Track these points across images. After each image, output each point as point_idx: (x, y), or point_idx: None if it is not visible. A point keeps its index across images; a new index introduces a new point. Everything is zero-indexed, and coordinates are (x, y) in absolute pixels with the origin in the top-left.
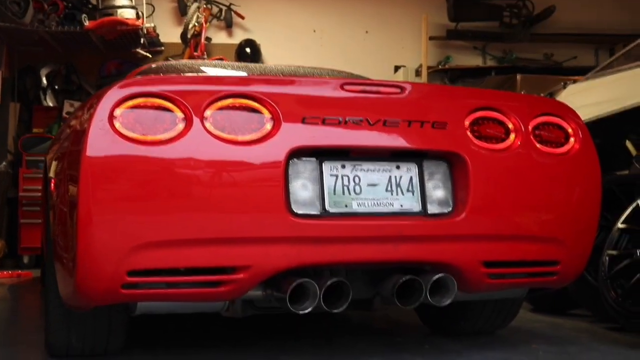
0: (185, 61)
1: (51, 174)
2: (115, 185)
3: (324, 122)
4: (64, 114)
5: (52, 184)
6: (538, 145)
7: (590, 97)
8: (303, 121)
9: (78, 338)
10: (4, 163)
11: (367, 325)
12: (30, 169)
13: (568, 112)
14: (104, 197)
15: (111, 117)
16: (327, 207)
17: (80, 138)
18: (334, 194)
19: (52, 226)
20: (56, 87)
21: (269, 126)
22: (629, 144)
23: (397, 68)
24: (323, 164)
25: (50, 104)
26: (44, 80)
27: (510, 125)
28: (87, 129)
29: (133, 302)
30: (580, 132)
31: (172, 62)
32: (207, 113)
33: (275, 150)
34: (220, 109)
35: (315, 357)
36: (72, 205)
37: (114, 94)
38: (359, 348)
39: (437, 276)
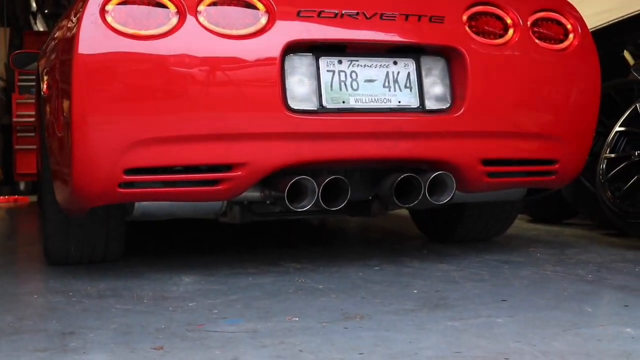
0: None
1: (43, 83)
2: (108, 83)
3: (319, 15)
4: None
5: (45, 92)
6: (537, 41)
7: (590, 8)
8: (298, 14)
9: (76, 245)
10: None
11: (365, 235)
12: (23, 94)
13: (567, 8)
14: (97, 95)
15: (102, 12)
16: (324, 102)
17: (72, 37)
18: (331, 89)
19: (47, 138)
20: (46, 11)
21: (263, 20)
22: (626, 54)
23: None
24: (320, 59)
25: (41, 29)
26: (34, 4)
27: (509, 21)
28: (78, 25)
29: (130, 203)
30: (579, 28)
31: None
32: (201, 7)
33: (270, 44)
34: (214, 3)
35: (313, 262)
36: (66, 107)
37: None
38: (357, 252)
39: (435, 173)
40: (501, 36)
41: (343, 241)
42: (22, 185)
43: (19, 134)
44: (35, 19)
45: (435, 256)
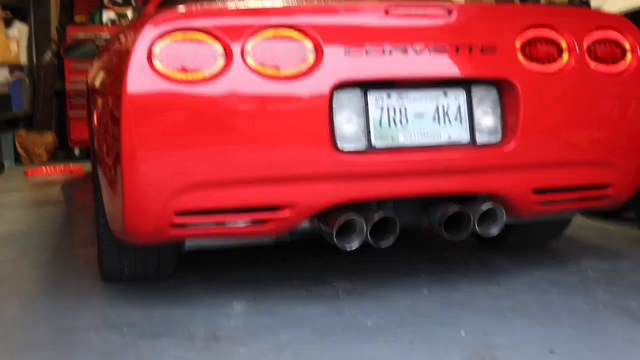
0: None
1: (93, 105)
2: (156, 127)
3: (367, 53)
4: (105, 1)
5: (95, 117)
6: (592, 64)
7: None
8: (346, 52)
9: (129, 267)
10: (48, 53)
11: (415, 237)
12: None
13: (626, 26)
14: (146, 140)
15: (149, 56)
16: (373, 141)
17: (120, 76)
18: (380, 126)
19: (99, 168)
20: None
21: (311, 58)
22: None
23: None
24: (368, 94)
25: None
26: None
27: (564, 44)
28: (125, 69)
29: (181, 240)
30: (638, 48)
31: None
32: (248, 47)
33: (318, 84)
34: (261, 41)
35: (362, 280)
36: (115, 148)
37: (150, 31)
38: (406, 264)
39: (485, 206)
40: (555, 61)
41: (394, 247)
42: (76, 151)
43: (72, 100)
44: None
45: (485, 272)
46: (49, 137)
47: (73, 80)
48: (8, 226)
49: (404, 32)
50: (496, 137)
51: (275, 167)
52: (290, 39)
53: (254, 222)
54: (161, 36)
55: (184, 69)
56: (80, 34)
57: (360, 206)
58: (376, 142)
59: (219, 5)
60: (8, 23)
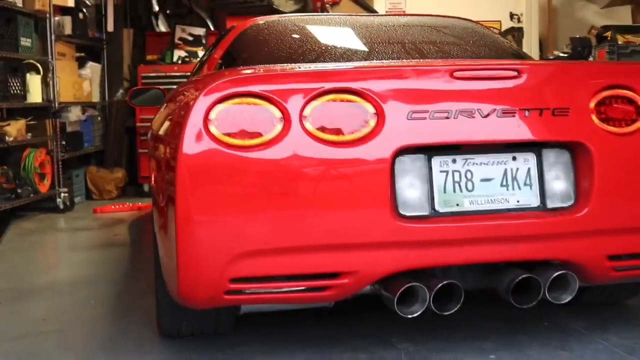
0: (287, 18)
1: (151, 155)
2: (212, 192)
3: (432, 117)
4: (176, 40)
5: (153, 171)
6: None
7: None
8: (409, 116)
9: (187, 325)
10: (120, 91)
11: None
12: None
13: None
14: (201, 206)
15: (206, 121)
16: (436, 207)
17: (176, 139)
18: (444, 192)
19: (156, 229)
20: (168, 11)
21: (372, 123)
22: None
23: None
24: (432, 159)
25: (163, 29)
26: (155, 5)
27: None
28: (181, 133)
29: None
30: None
31: (274, 18)
32: (307, 111)
33: (379, 150)
34: (320, 106)
35: (426, 340)
36: (170, 210)
37: (206, 97)
38: (475, 325)
39: (557, 273)
40: (633, 122)
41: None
42: (146, 187)
43: (142, 137)
44: (157, 20)
45: (556, 334)
46: (119, 174)
47: (143, 118)
48: (73, 271)
49: (470, 95)
50: (568, 202)
51: (335, 234)
52: (351, 102)
53: (312, 289)
54: (218, 101)
55: (241, 134)
56: (152, 73)
57: (422, 272)
58: (440, 208)
59: (277, 68)
60: (82, 63)
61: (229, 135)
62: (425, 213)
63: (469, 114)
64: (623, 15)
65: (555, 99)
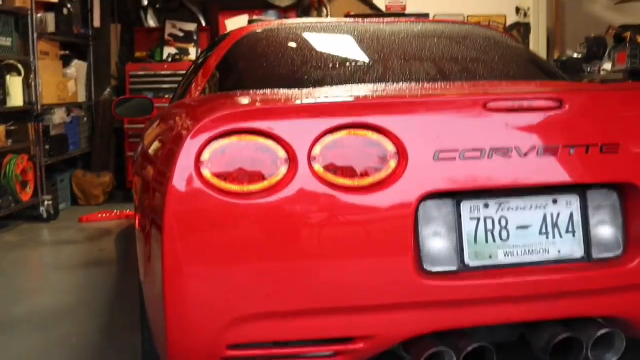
0: (287, 25)
1: (137, 179)
2: (205, 247)
3: (462, 157)
4: (166, 36)
5: (136, 197)
6: None
7: None
8: (436, 156)
9: None
10: (107, 90)
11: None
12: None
13: None
14: (193, 261)
15: (197, 163)
16: (466, 260)
17: (163, 181)
18: (475, 242)
19: (138, 249)
20: (157, 5)
21: (393, 164)
22: None
23: None
24: (461, 204)
25: (152, 24)
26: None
27: None
28: (169, 177)
29: None
30: None
31: (273, 25)
32: (316, 151)
33: (401, 195)
34: (332, 144)
35: None
36: (156, 257)
37: (199, 134)
38: None
39: (601, 331)
40: None
41: None
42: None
43: (130, 140)
44: (145, 14)
45: None
46: (106, 178)
47: (132, 119)
48: (54, 298)
49: (506, 130)
50: (616, 251)
51: (348, 295)
52: (368, 140)
53: (322, 355)
54: (212, 139)
55: (239, 178)
56: (140, 71)
57: (449, 332)
58: (470, 260)
59: (281, 98)
60: (66, 62)
61: (224, 179)
62: (453, 268)
63: (505, 153)
64: (635, 10)
65: (604, 133)
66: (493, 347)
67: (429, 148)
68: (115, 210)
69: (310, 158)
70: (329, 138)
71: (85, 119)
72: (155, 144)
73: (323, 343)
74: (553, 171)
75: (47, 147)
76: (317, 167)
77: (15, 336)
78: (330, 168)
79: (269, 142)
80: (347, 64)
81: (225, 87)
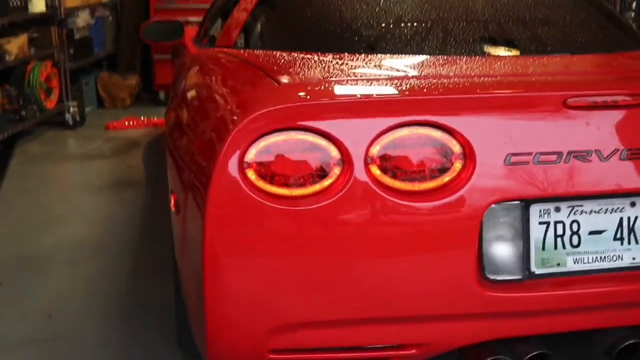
0: None
1: (170, 182)
2: (249, 255)
3: (537, 161)
4: None
5: (172, 203)
6: None
7: None
8: (507, 160)
9: None
10: None
11: None
12: None
13: None
14: (235, 272)
15: (241, 165)
16: (532, 267)
17: (204, 184)
18: (543, 249)
19: (175, 243)
20: None
21: (458, 166)
22: None
23: None
24: (531, 208)
25: None
26: None
27: None
28: (210, 177)
29: None
30: None
31: None
32: (373, 151)
33: (468, 202)
34: (391, 144)
35: None
36: (197, 270)
37: (245, 130)
38: None
39: None
40: None
41: None
42: (161, 95)
43: None
44: None
45: None
46: (132, 80)
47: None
48: (81, 228)
49: (587, 130)
50: None
51: (403, 305)
52: (432, 140)
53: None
54: (258, 137)
55: (287, 181)
56: None
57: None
58: (537, 268)
59: (334, 89)
60: None
61: (270, 182)
62: (518, 277)
63: (585, 157)
64: None
65: None
66: (552, 353)
67: (500, 150)
68: (142, 117)
69: (367, 159)
70: (388, 137)
71: (110, 18)
72: (195, 113)
73: (372, 349)
74: (636, 176)
75: (71, 51)
76: (375, 169)
77: (41, 281)
78: (389, 171)
79: (321, 141)
80: (401, 24)
81: (265, 40)
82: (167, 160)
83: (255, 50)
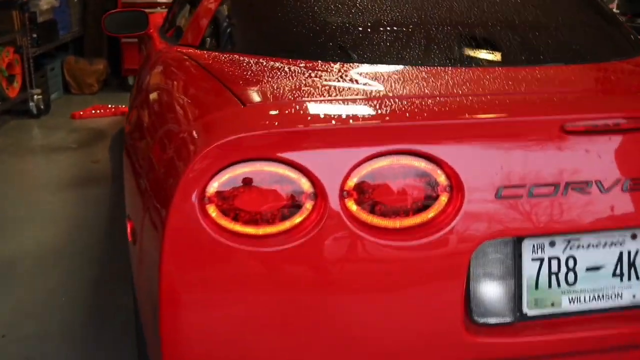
0: None
1: (127, 207)
2: (212, 303)
3: (531, 194)
4: None
5: (128, 231)
6: None
7: None
8: (498, 194)
9: None
10: None
11: None
12: None
13: None
14: (196, 319)
15: (202, 201)
16: (524, 308)
17: (160, 218)
18: (536, 288)
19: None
20: None
21: (444, 199)
22: None
23: None
24: (523, 243)
25: None
26: None
27: None
28: (167, 216)
29: None
30: None
31: None
32: (350, 184)
33: (453, 243)
34: (369, 176)
35: None
36: (156, 311)
37: (203, 163)
38: None
39: None
40: None
41: None
42: (130, 80)
43: None
44: None
45: None
46: (99, 65)
47: (125, 2)
48: (42, 233)
49: (587, 158)
50: None
51: (380, 352)
52: (415, 171)
53: None
54: (220, 169)
55: (252, 218)
56: None
57: None
58: (529, 309)
59: (309, 116)
60: None
61: (234, 219)
62: (509, 319)
63: (584, 189)
64: None
65: None
66: None
67: (490, 183)
68: (110, 105)
69: (342, 193)
70: (366, 168)
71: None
72: (156, 123)
73: None
74: None
75: (34, 35)
76: (351, 204)
77: None
78: (367, 205)
79: (292, 173)
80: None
81: (233, 41)
82: (124, 169)
83: (222, 54)
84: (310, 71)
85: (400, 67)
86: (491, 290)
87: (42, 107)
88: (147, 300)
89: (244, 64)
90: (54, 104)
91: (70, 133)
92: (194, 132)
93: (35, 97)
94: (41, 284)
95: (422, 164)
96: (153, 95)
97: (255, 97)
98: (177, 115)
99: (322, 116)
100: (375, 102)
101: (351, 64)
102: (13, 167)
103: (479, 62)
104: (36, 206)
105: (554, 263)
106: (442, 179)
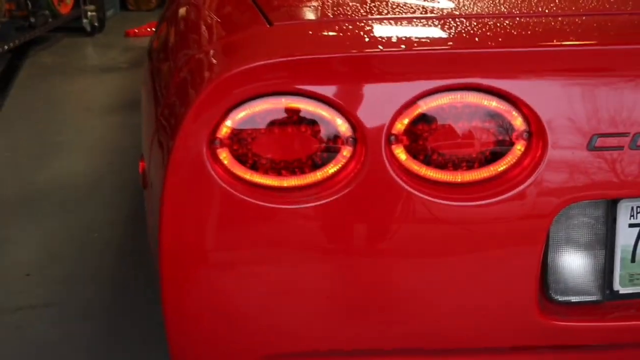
0: None
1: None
2: (219, 278)
3: (634, 146)
4: None
5: (140, 173)
6: None
7: None
8: (591, 144)
9: None
10: None
11: None
12: None
13: None
14: (201, 286)
15: (211, 143)
16: (615, 285)
17: (164, 158)
18: (632, 260)
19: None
20: None
21: (521, 149)
22: None
23: None
24: (619, 206)
25: None
26: None
27: None
28: (167, 161)
29: None
30: None
31: None
32: (398, 127)
33: (530, 204)
34: (422, 117)
35: None
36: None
37: (215, 95)
38: None
39: None
40: None
41: None
42: None
43: None
44: None
45: None
46: None
47: None
48: (81, 162)
49: None
50: None
51: (436, 334)
52: (482, 111)
53: None
54: (236, 104)
55: (276, 168)
56: None
57: None
58: (622, 287)
59: (347, 40)
60: None
61: (251, 167)
62: (596, 298)
63: None
64: None
65: None
66: None
67: (581, 129)
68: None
69: (389, 138)
70: (420, 108)
71: None
72: (177, 40)
73: None
74: None
75: None
76: (400, 152)
77: (30, 221)
78: (420, 154)
79: (325, 112)
80: None
81: None
82: (142, 94)
83: None
84: None
85: None
86: (575, 262)
87: (96, 24)
88: (153, 256)
89: None
90: (109, 21)
91: (123, 52)
92: (208, 57)
93: (89, 13)
94: (73, 219)
95: (492, 103)
96: (181, 11)
97: (285, 15)
98: (195, 34)
99: (366, 40)
100: (434, 22)
101: None
102: (62, 87)
103: None
104: (80, 131)
105: None
106: (518, 122)
